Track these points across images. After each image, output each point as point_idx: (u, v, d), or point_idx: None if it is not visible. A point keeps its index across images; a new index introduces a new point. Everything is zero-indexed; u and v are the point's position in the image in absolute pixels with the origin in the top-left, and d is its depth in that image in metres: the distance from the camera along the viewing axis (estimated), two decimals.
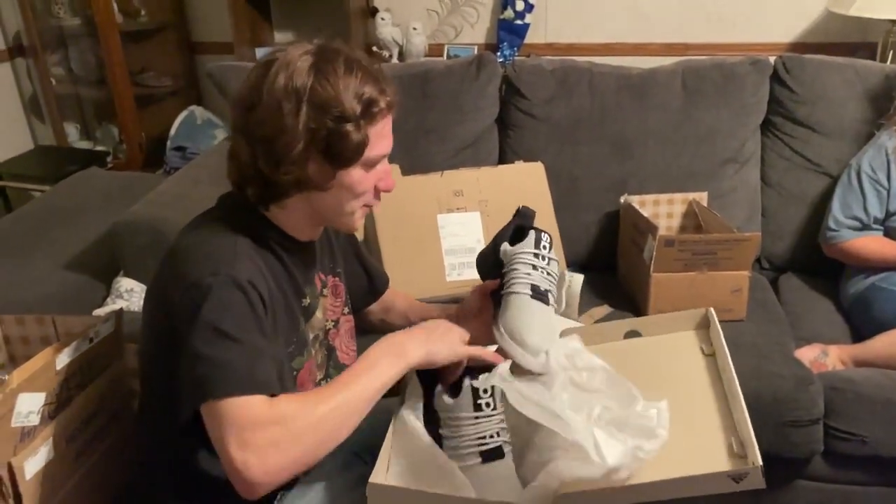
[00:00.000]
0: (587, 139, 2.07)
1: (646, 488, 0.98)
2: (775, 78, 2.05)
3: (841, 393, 1.53)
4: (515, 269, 1.14)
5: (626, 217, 1.96)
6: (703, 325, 1.27)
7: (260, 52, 3.03)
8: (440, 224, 1.87)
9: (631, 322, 1.30)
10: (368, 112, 1.02)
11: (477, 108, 2.12)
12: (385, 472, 1.04)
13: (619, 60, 2.83)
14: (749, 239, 1.71)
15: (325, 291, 1.22)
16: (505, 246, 1.18)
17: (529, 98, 2.10)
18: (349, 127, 1.00)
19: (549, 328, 1.11)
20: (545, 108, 2.09)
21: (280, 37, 3.24)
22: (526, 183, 1.96)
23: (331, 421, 0.94)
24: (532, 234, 1.16)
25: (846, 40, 2.76)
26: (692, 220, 2.00)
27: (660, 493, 0.99)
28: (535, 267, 1.13)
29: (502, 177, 1.96)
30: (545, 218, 1.90)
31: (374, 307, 1.43)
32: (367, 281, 1.39)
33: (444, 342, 1.08)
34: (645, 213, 1.92)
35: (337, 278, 1.27)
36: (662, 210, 2.01)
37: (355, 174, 1.05)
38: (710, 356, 1.22)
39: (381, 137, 1.06)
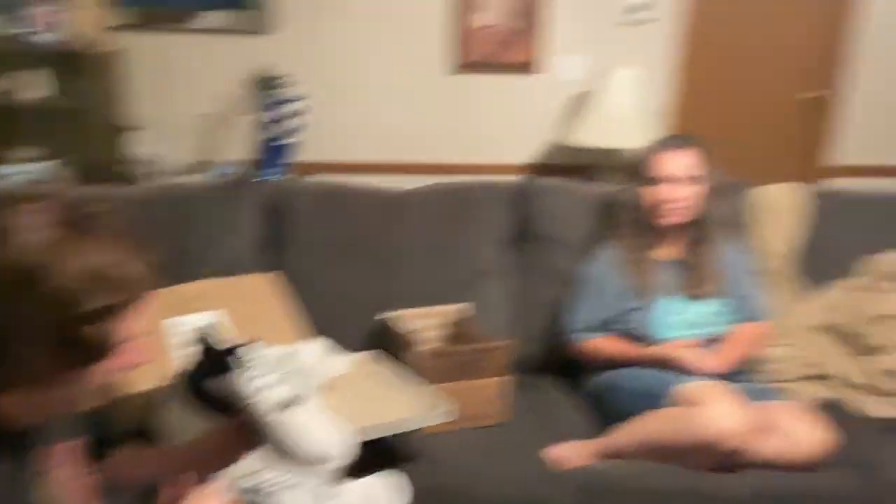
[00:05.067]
0: (350, 258, 2.12)
1: None
2: (517, 198, 2.27)
3: (590, 487, 1.65)
4: (248, 398, 1.11)
5: (391, 334, 2.00)
6: None
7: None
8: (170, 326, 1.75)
9: None
10: (115, 307, 0.86)
11: (236, 228, 2.08)
12: None
13: (382, 179, 2.98)
14: (504, 346, 1.83)
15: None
16: (213, 383, 1.15)
17: (292, 218, 2.12)
18: (90, 327, 0.84)
19: (319, 426, 1.13)
20: (307, 228, 2.12)
21: (24, 153, 2.97)
22: (260, 293, 1.93)
23: None
24: (231, 359, 1.14)
25: (579, 163, 3.18)
26: (457, 331, 2.10)
27: None
28: (261, 384, 1.11)
29: (239, 287, 1.91)
30: (284, 325, 1.88)
31: None
32: None
33: None
34: (409, 327, 1.99)
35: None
36: (428, 323, 2.09)
37: (99, 368, 0.90)
38: None
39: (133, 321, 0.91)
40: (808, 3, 3.23)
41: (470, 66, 3.08)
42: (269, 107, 2.99)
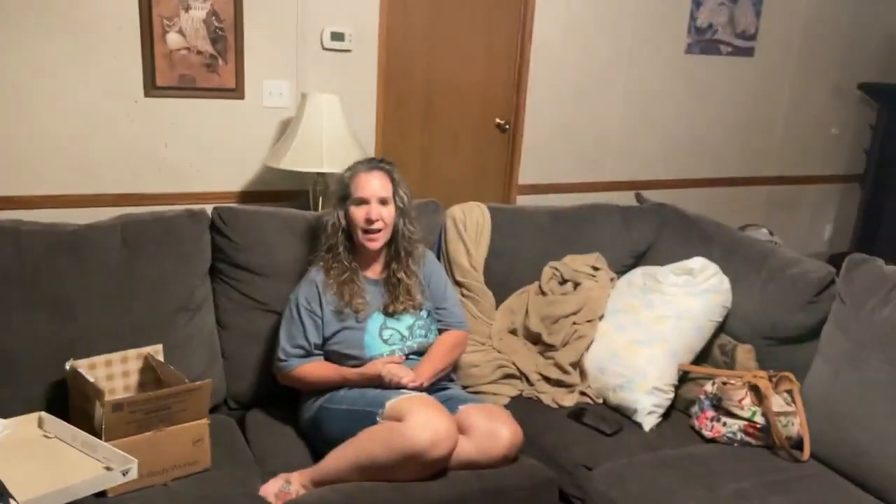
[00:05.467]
0: (19, 305, 1.85)
1: None
2: (214, 228, 2.17)
3: None
4: None
5: (74, 385, 1.79)
6: None
7: None
8: None
9: None
10: None
11: None
12: None
13: (66, 214, 2.67)
14: (201, 387, 1.72)
15: None
16: None
17: None
18: None
19: None
20: None
21: None
22: None
23: None
24: None
25: (285, 188, 3.15)
26: (151, 375, 1.94)
27: None
28: None
29: None
30: None
31: None
32: None
33: None
34: (97, 375, 1.79)
35: None
36: (117, 370, 1.90)
37: None
38: None
39: None
40: (491, 35, 3.58)
41: (166, 89, 2.89)
42: None
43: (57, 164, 2.82)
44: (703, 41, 4.03)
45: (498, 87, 3.66)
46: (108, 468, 1.49)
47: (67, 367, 1.80)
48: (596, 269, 2.53)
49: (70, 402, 1.81)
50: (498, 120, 3.70)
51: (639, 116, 3.98)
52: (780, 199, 4.55)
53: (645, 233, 2.73)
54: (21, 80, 2.70)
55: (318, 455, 1.90)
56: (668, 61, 3.96)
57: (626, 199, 3.01)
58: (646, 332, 2.24)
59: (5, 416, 1.69)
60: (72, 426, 1.64)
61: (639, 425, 2.13)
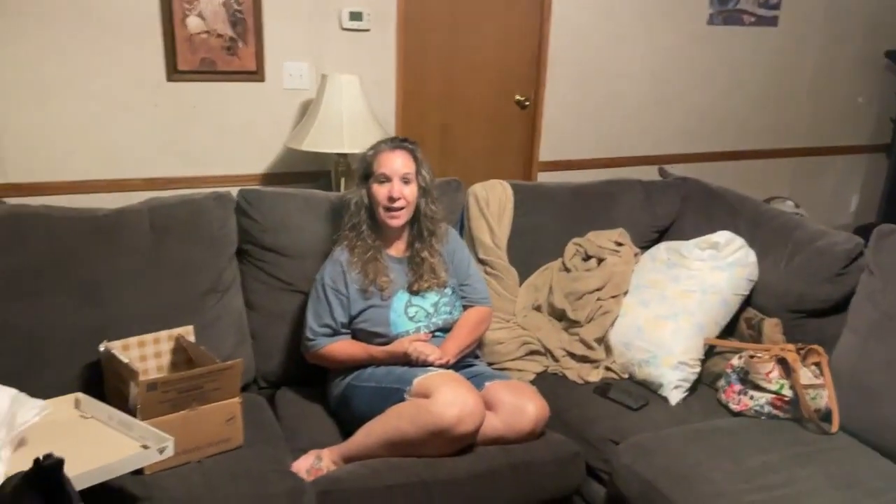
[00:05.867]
0: (52, 289, 1.89)
1: None
2: (239, 210, 2.19)
3: (330, 495, 1.66)
4: None
5: (109, 367, 1.83)
6: None
7: None
8: None
9: None
10: None
11: None
12: None
13: (94, 199, 2.71)
14: (232, 367, 1.75)
15: None
16: None
17: None
18: None
19: None
20: None
21: None
22: None
23: None
24: None
25: (307, 169, 3.17)
26: (183, 356, 1.98)
27: None
28: None
29: None
30: None
31: None
32: None
33: None
34: (131, 356, 1.83)
35: None
36: (150, 351, 1.94)
37: None
38: None
39: None
40: (510, 11, 3.54)
41: (187, 73, 2.91)
42: None
43: (84, 150, 2.86)
44: (725, 11, 3.96)
45: (517, 64, 3.63)
46: (144, 446, 1.53)
47: (102, 348, 1.84)
48: (619, 244, 2.53)
49: (105, 383, 1.86)
50: (518, 97, 3.68)
51: (661, 90, 3.93)
52: (806, 171, 4.48)
53: (668, 207, 2.71)
54: (47, 67, 2.73)
55: (346, 432, 1.93)
56: (689, 33, 3.90)
57: (649, 173, 2.98)
58: (671, 306, 2.24)
59: (43, 398, 1.74)
60: (108, 406, 1.68)
61: (665, 399, 2.13)
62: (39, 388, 1.69)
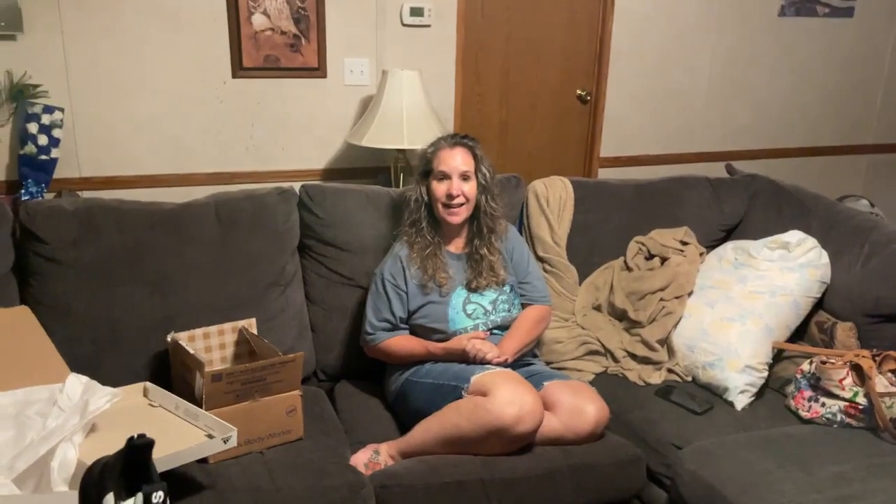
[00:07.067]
0: (123, 279, 1.95)
1: None
2: (302, 205, 2.22)
3: (388, 489, 1.66)
4: None
5: (175, 357, 1.88)
6: None
7: None
8: None
9: None
10: None
11: None
12: None
13: (162, 192, 2.79)
14: (294, 359, 1.78)
15: None
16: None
17: (49, 242, 1.91)
18: None
19: None
20: (70, 252, 1.92)
21: None
22: (16, 328, 1.74)
23: None
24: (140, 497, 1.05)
25: (365, 165, 3.19)
26: (245, 347, 2.02)
27: None
28: None
29: None
30: (48, 359, 1.71)
31: None
32: None
33: None
34: (196, 347, 1.87)
35: None
36: (214, 342, 1.98)
37: None
38: None
39: None
40: (572, 5, 3.49)
41: (252, 69, 2.97)
42: (24, 119, 2.68)
43: (153, 145, 2.94)
44: (797, 2, 3.81)
45: (577, 58, 3.58)
46: (209, 436, 1.57)
47: (169, 339, 1.89)
48: (684, 243, 2.46)
49: (172, 372, 1.91)
50: (578, 91, 3.62)
51: (728, 84, 3.81)
52: (881, 169, 4.28)
53: (736, 206, 2.63)
54: (119, 64, 2.82)
55: (403, 427, 1.94)
56: (759, 25, 3.76)
57: (716, 170, 2.89)
58: (738, 308, 2.17)
59: (113, 385, 1.80)
60: (174, 395, 1.72)
61: (730, 404, 2.07)
62: (110, 375, 1.75)
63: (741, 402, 2.06)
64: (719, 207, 2.62)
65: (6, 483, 1.34)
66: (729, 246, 2.42)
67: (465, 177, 2.05)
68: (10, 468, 1.38)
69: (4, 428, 1.46)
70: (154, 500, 1.06)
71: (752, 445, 1.84)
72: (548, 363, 2.22)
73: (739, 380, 2.06)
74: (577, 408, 1.86)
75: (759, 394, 2.10)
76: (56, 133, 2.71)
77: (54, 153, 2.73)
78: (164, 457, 1.45)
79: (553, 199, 2.49)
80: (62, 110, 2.71)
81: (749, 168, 2.83)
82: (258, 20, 2.95)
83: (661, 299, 2.31)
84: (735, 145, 3.89)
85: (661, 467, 1.92)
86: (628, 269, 2.44)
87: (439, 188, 2.05)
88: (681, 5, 3.60)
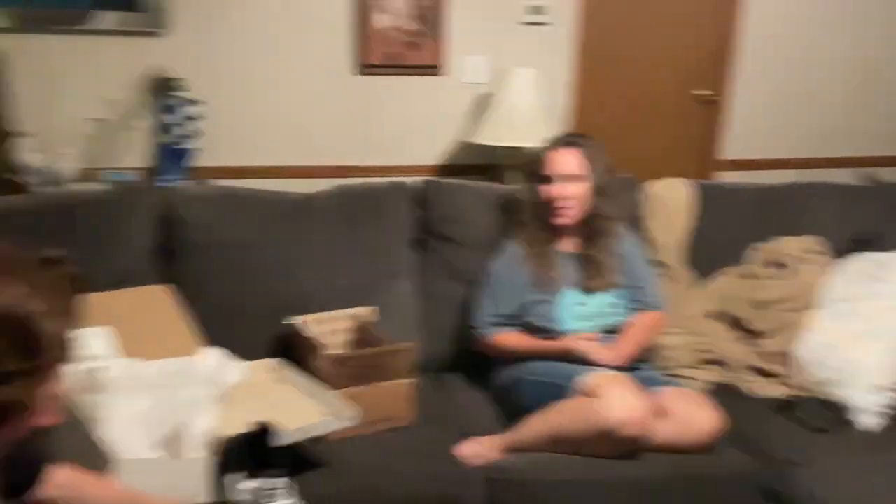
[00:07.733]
0: (253, 265, 2.07)
1: None
2: (419, 199, 2.28)
3: (496, 482, 1.68)
4: None
5: (298, 339, 1.97)
6: None
7: None
8: None
9: None
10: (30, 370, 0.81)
11: (128, 238, 2.01)
12: None
13: (285, 183, 2.93)
14: (409, 348, 1.83)
15: None
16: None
17: (190, 225, 2.06)
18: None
19: None
20: (207, 235, 2.06)
21: None
22: (153, 305, 1.87)
23: None
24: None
25: (476, 162, 3.22)
26: (360, 335, 2.09)
27: None
28: None
29: (129, 300, 1.84)
30: (185, 334, 1.83)
31: None
32: None
33: None
34: (313, 332, 1.96)
35: None
36: (332, 327, 2.07)
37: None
38: None
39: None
40: (697, 4, 3.38)
41: (373, 67, 3.07)
42: (164, 111, 2.89)
43: (280, 137, 3.10)
44: None
45: (697, 58, 3.46)
46: (330, 414, 1.64)
47: (289, 323, 1.99)
48: (811, 253, 2.33)
49: (294, 353, 2.01)
50: (697, 91, 3.50)
51: (865, 85, 3.57)
52: None
53: (870, 216, 2.47)
54: (253, 59, 2.99)
55: (509, 422, 1.95)
56: None
57: (849, 177, 2.73)
58: (870, 324, 2.04)
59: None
60: (299, 374, 1.82)
61: (857, 425, 1.95)
62: (240, 351, 1.85)
63: (871, 423, 1.94)
64: (852, 217, 2.46)
65: (143, 449, 1.46)
66: (862, 258, 2.28)
67: (570, 178, 2.03)
68: (148, 434, 1.50)
69: (143, 397, 1.57)
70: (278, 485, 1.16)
71: (881, 471, 1.73)
72: (659, 370, 2.17)
73: (869, 399, 1.94)
74: (691, 416, 1.81)
75: (893, 416, 1.97)
76: (193, 125, 2.90)
77: (191, 143, 2.92)
78: (298, 428, 1.53)
79: (670, 201, 2.42)
80: (201, 103, 2.90)
81: (889, 176, 2.66)
82: (381, 18, 3.04)
83: (784, 310, 2.20)
84: (873, 151, 3.64)
85: (778, 485, 1.83)
86: (749, 277, 2.34)
87: (544, 191, 2.05)
88: (819, 3, 3.40)
